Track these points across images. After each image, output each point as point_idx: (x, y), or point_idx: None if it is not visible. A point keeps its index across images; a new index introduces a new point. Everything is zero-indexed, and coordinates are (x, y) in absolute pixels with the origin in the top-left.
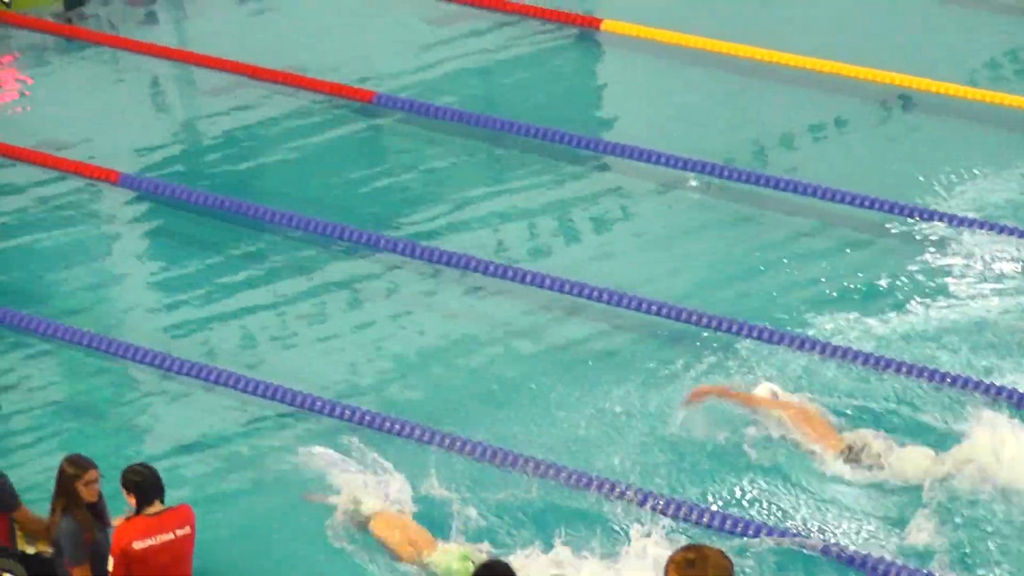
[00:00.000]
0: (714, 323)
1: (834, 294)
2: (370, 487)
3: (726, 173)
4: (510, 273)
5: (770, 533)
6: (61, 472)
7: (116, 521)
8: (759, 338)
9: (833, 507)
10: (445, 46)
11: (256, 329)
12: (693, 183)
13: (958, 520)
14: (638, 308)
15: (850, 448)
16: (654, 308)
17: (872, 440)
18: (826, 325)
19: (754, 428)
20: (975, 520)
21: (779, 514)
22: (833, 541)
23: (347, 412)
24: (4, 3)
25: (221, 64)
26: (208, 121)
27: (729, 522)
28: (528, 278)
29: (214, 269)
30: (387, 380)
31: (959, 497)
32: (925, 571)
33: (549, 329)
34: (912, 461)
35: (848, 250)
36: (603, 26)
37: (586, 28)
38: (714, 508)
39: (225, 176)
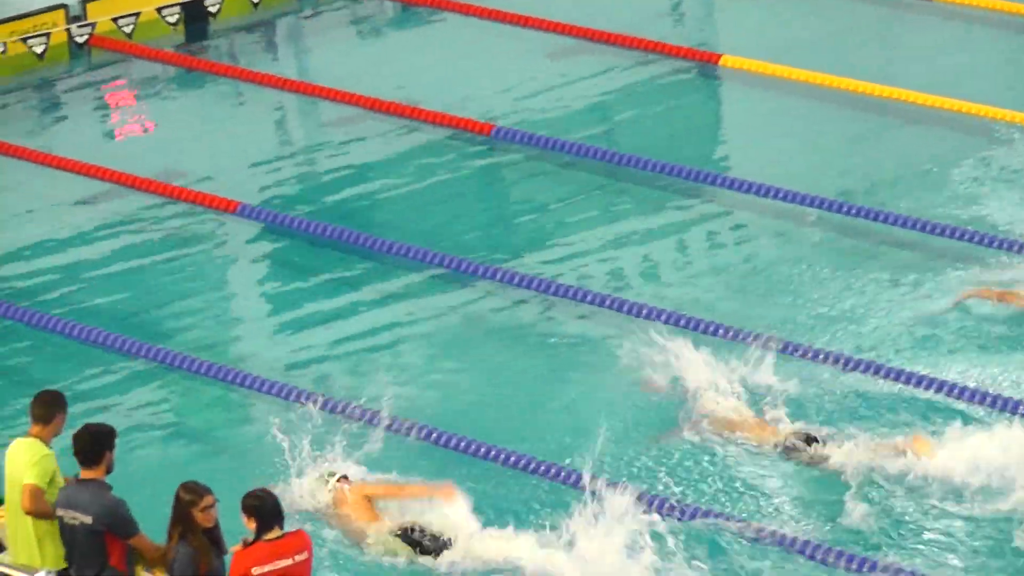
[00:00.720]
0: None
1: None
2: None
3: (843, 208)
4: (625, 307)
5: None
6: (177, 498)
7: (234, 547)
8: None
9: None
10: (564, 80)
11: (372, 358)
12: (811, 217)
13: (889, 506)
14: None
15: (789, 446)
16: (772, 343)
17: (812, 432)
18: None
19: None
20: (905, 506)
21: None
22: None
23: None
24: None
25: (341, 96)
26: (327, 152)
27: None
28: (644, 312)
29: (331, 298)
30: (504, 413)
31: (891, 485)
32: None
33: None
34: (849, 452)
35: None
36: (722, 61)
37: (705, 63)
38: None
39: (343, 207)
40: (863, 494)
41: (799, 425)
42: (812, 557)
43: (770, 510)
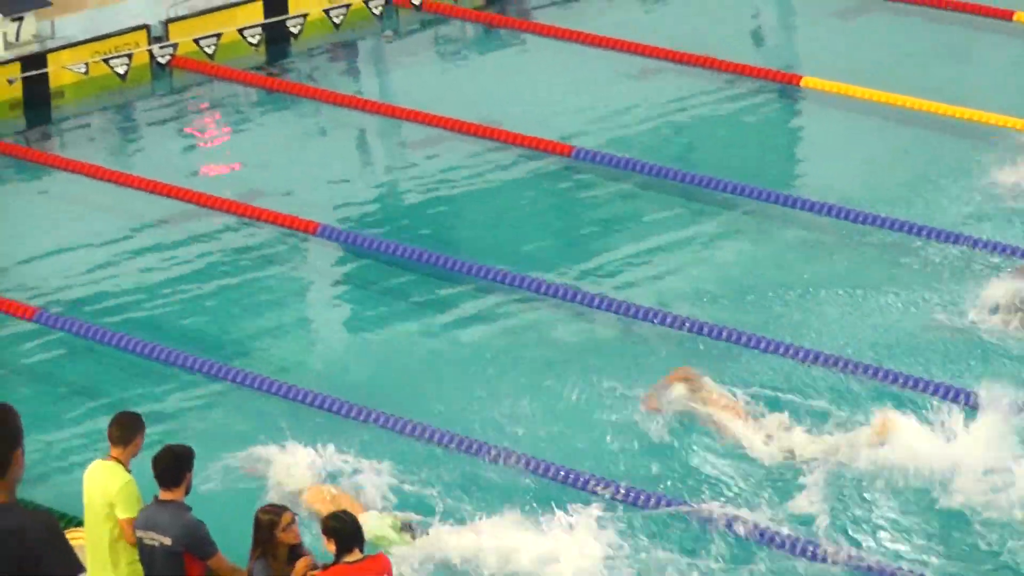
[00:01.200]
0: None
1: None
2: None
3: (914, 230)
4: (706, 329)
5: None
6: (257, 521)
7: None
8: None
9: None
10: (644, 101)
11: (448, 379)
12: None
13: (845, 495)
14: (832, 364)
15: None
16: (849, 366)
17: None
18: None
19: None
20: (861, 495)
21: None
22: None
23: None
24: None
25: (422, 117)
26: (408, 174)
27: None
28: (723, 334)
29: (411, 320)
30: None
31: (850, 475)
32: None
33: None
34: (811, 443)
35: None
36: (803, 82)
37: (786, 84)
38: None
39: (423, 228)
40: (831, 484)
41: (776, 418)
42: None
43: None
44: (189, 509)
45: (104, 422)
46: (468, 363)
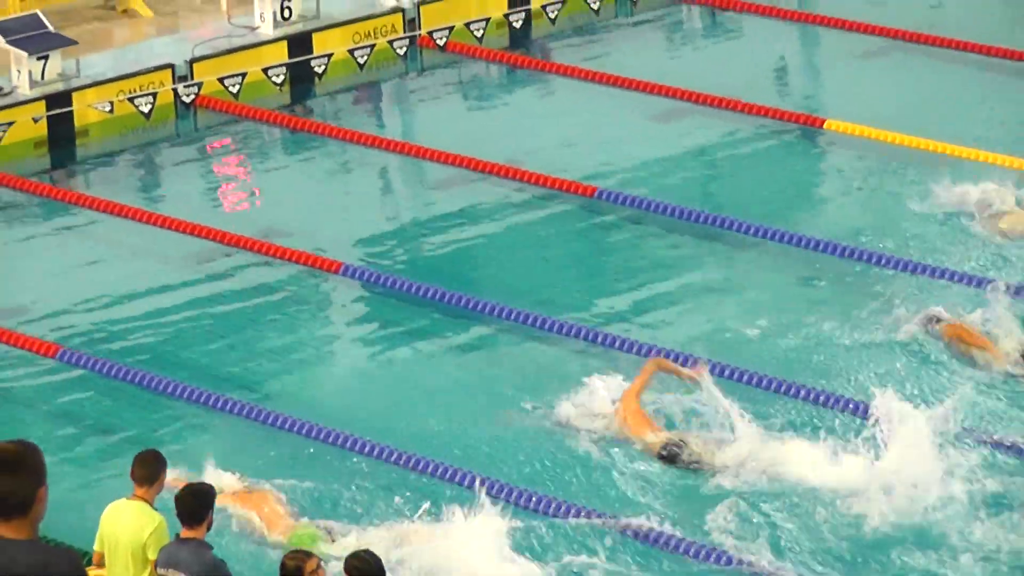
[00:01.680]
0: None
1: None
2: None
3: (944, 273)
4: (727, 372)
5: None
6: (283, 567)
7: None
8: None
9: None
10: (666, 143)
11: (466, 418)
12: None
13: (756, 507)
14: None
15: (668, 446)
16: (860, 408)
17: (692, 439)
18: None
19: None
20: (769, 507)
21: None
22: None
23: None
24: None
25: (445, 158)
26: (431, 214)
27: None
28: (745, 377)
29: (433, 359)
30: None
31: (759, 488)
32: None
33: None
34: (723, 456)
35: None
36: (826, 125)
37: (809, 127)
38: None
39: (447, 268)
40: (735, 494)
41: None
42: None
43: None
44: (211, 548)
45: (125, 459)
46: (486, 402)
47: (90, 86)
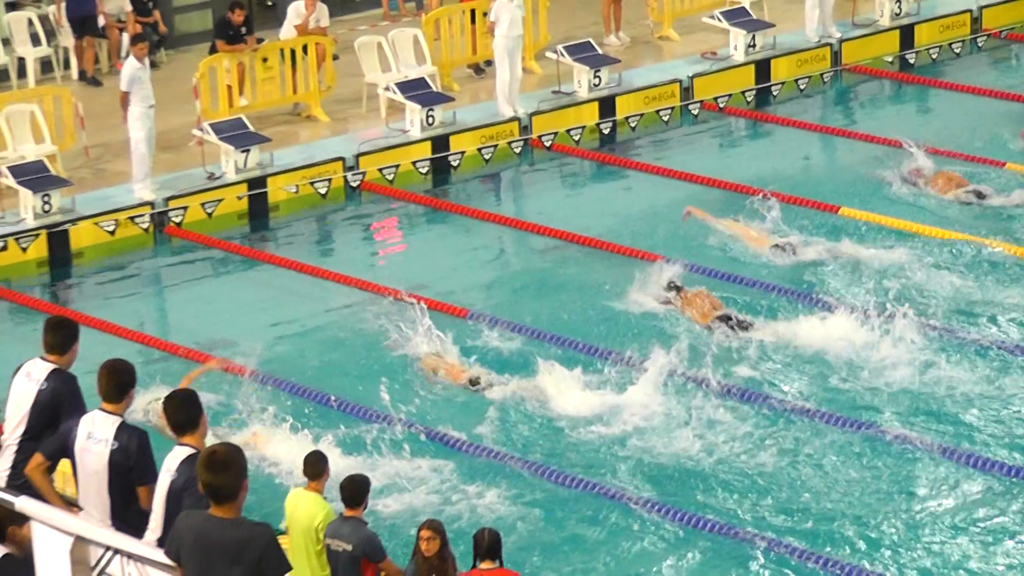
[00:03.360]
0: None
1: None
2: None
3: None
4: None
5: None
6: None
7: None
8: None
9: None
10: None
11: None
12: None
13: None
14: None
15: (472, 380)
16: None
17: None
18: None
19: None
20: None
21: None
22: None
23: None
24: (387, 180)
25: (548, 231)
26: (536, 272)
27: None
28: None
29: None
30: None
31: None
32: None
33: None
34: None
35: None
36: (841, 211)
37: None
38: None
39: (544, 311)
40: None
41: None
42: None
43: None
44: (366, 523)
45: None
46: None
47: (280, 173)
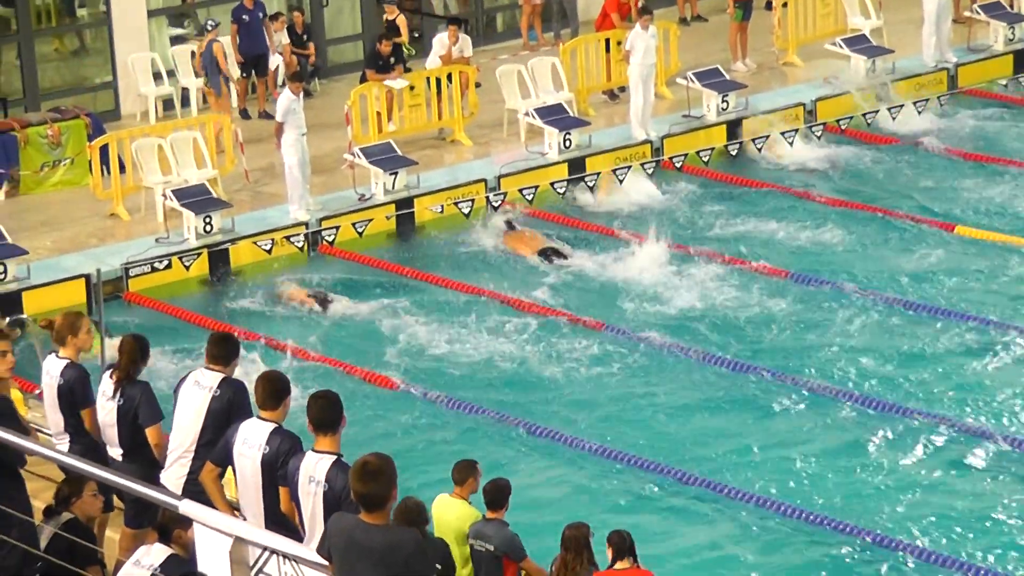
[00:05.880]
0: None
1: None
2: None
3: None
4: None
5: None
6: (566, 538)
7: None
8: None
9: None
10: (847, 229)
11: None
12: None
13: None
14: None
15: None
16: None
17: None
18: None
19: None
20: None
21: None
22: None
23: None
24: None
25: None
26: (664, 279)
27: None
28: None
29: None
30: None
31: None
32: None
33: None
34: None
35: None
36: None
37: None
38: None
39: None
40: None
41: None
42: None
43: None
44: (508, 524)
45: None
46: None
47: (427, 194)
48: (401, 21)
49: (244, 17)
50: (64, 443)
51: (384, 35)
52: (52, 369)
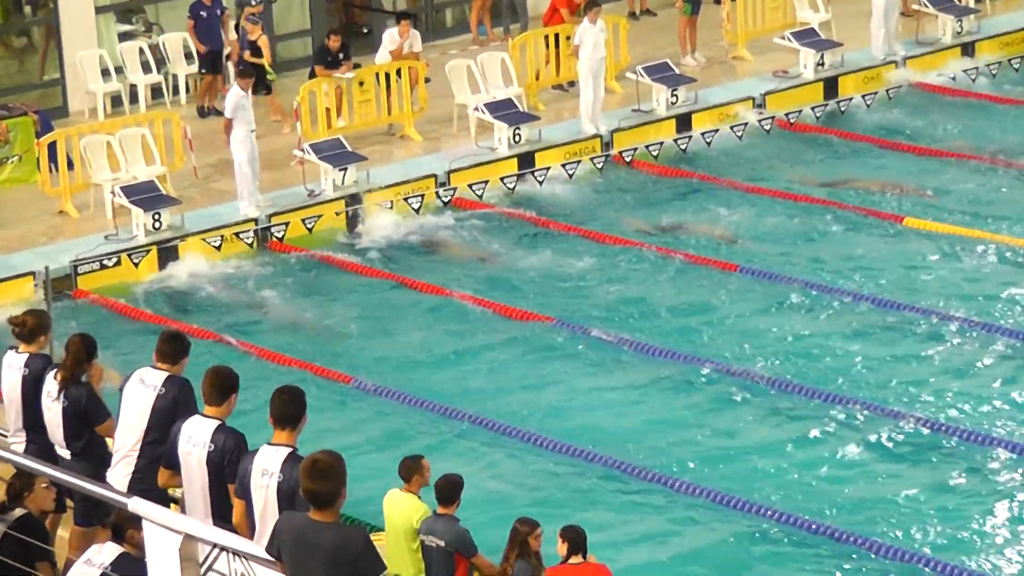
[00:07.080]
0: None
1: None
2: None
3: None
4: None
5: None
6: (515, 530)
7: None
8: None
9: None
10: (803, 222)
11: None
12: None
13: None
14: None
15: None
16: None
17: None
18: None
19: None
20: None
21: None
22: None
23: None
24: None
25: (623, 241)
26: (611, 273)
27: None
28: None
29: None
30: None
31: None
32: None
33: None
34: None
35: None
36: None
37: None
38: None
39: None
40: None
41: None
42: None
43: None
44: (458, 520)
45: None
46: None
47: (376, 190)
48: (263, 42)
49: (202, 13)
50: (21, 440)
51: (333, 30)
52: (14, 362)
